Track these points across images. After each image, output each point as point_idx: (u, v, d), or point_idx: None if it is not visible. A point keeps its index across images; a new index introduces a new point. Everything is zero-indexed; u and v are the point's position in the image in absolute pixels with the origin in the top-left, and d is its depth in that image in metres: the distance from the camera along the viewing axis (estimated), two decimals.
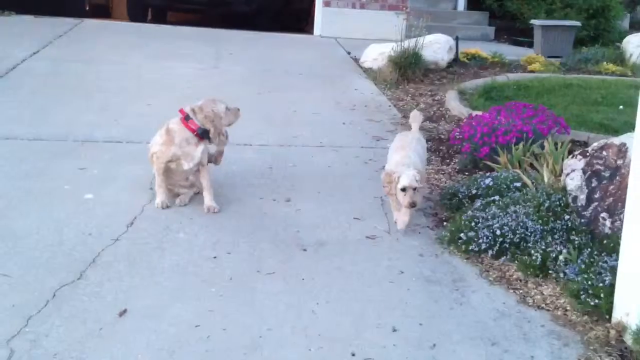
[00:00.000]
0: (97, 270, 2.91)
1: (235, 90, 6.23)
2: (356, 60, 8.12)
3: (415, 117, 3.86)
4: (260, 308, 2.69)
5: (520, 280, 2.94)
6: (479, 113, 5.09)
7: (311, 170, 4.30)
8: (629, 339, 2.47)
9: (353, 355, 2.40)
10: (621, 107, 5.75)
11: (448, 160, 4.54)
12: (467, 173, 4.25)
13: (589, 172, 3.08)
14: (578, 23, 8.48)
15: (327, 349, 2.44)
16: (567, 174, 3.21)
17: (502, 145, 4.03)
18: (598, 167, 3.06)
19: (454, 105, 5.84)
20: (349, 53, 8.71)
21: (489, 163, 4.07)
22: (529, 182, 3.44)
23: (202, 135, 3.48)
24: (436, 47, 7.68)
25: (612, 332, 2.53)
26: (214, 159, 3.70)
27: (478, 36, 11.84)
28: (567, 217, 3.04)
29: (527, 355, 2.45)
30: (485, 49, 8.94)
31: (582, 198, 3.08)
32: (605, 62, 7.76)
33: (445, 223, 3.51)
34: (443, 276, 3.00)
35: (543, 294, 2.83)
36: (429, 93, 6.59)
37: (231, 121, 3.65)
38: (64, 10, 10.38)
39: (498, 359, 2.42)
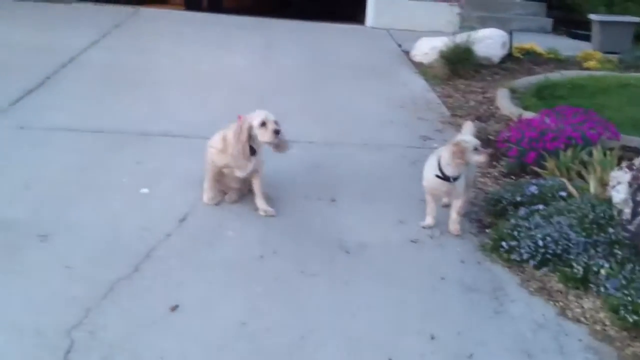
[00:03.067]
0: (151, 264, 3.07)
1: (285, 84, 6.36)
2: (407, 53, 8.11)
3: (467, 129, 3.72)
4: (303, 309, 2.80)
5: (561, 292, 2.97)
6: (529, 115, 5.08)
7: (357, 169, 4.37)
8: None
9: None
10: None
11: (495, 163, 4.54)
12: (513, 177, 4.26)
13: (635, 186, 3.08)
14: (638, 19, 8.25)
15: (365, 353, 2.54)
16: (613, 187, 3.21)
17: (550, 151, 4.03)
18: None
19: (504, 104, 5.82)
20: (399, 46, 8.71)
21: (536, 169, 4.08)
22: (574, 191, 3.44)
23: (252, 152, 3.54)
24: (489, 42, 7.61)
25: None
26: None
27: (535, 28, 11.64)
28: (611, 230, 3.04)
29: None
30: (541, 43, 8.80)
31: (627, 212, 3.08)
32: None
33: (488, 229, 3.55)
34: (483, 284, 3.06)
35: (583, 308, 2.86)
36: (480, 90, 6.57)
37: (271, 140, 3.54)
38: None
39: None
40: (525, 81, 6.64)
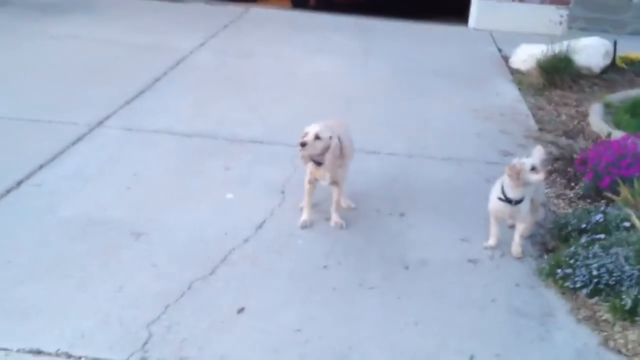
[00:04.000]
0: (226, 267, 3.42)
1: (374, 92, 6.58)
2: (506, 59, 8.06)
3: (537, 154, 3.72)
4: (355, 320, 3.05)
5: (608, 322, 3.04)
6: (617, 134, 5.02)
7: (431, 184, 4.54)
8: None
9: None
10: None
11: (573, 184, 4.55)
12: (589, 200, 4.27)
13: None
14: None
15: None
16: None
17: (625, 178, 4.02)
18: None
19: (595, 120, 5.74)
20: (500, 50, 8.66)
21: (610, 195, 4.08)
22: (637, 223, 3.46)
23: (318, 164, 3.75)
24: (590, 52, 7.42)
25: None
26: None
27: None
28: None
29: None
30: None
31: None
32: None
33: (549, 254, 3.63)
34: (533, 309, 3.17)
35: (627, 339, 2.92)
36: (574, 103, 6.47)
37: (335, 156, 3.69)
38: None
39: None
40: (624, 95, 6.47)
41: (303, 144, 3.59)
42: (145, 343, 2.83)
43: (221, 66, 7.14)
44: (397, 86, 6.80)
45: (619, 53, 7.90)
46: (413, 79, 7.14)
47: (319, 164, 3.70)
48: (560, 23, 9.66)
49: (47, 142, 4.73)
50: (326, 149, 3.63)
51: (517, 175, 3.38)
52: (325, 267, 3.48)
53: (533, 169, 3.38)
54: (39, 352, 2.75)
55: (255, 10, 10.44)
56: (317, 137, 3.61)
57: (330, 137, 3.63)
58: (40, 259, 3.39)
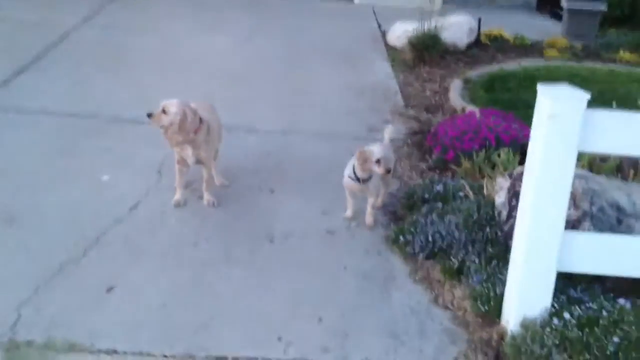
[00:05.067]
0: (98, 248, 3.63)
1: (256, 69, 6.83)
2: (384, 35, 8.50)
3: (388, 132, 4.23)
4: (219, 292, 3.35)
5: (440, 282, 3.50)
6: (471, 109, 5.53)
7: (302, 159, 4.88)
8: (506, 344, 3.03)
9: (279, 339, 3.06)
10: (614, 105, 6.02)
11: (427, 156, 5.03)
12: (438, 172, 4.75)
13: (512, 192, 3.57)
14: (603, 7, 8.54)
15: (258, 332, 3.09)
16: (497, 192, 3.71)
17: (466, 151, 4.51)
18: (518, 188, 3.55)
19: (453, 96, 6.26)
20: (379, 26, 9.09)
21: (453, 167, 4.58)
22: (470, 193, 3.95)
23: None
24: (456, 29, 7.97)
25: (495, 335, 3.09)
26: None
27: (519, 4, 11.88)
28: (488, 230, 3.56)
29: (417, 349, 3.04)
30: (516, 25, 9.16)
31: (504, 214, 3.58)
32: (621, 50, 7.90)
33: (398, 222, 4.07)
34: (378, 273, 3.60)
35: (454, 296, 3.39)
36: (438, 79, 6.99)
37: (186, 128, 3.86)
38: None
39: (393, 350, 3.03)
40: (482, 71, 7.05)
41: (149, 115, 3.81)
42: (14, 325, 3.01)
43: (105, 43, 7.17)
44: (280, 63, 7.09)
45: (485, 29, 8.51)
46: (296, 56, 7.44)
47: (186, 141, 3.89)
48: None
49: None
50: (173, 124, 3.81)
51: (364, 162, 3.76)
52: (195, 244, 3.76)
53: (378, 161, 3.74)
54: None
55: None
56: (163, 111, 3.82)
57: (176, 113, 3.79)
58: None
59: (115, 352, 2.92)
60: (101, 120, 5.25)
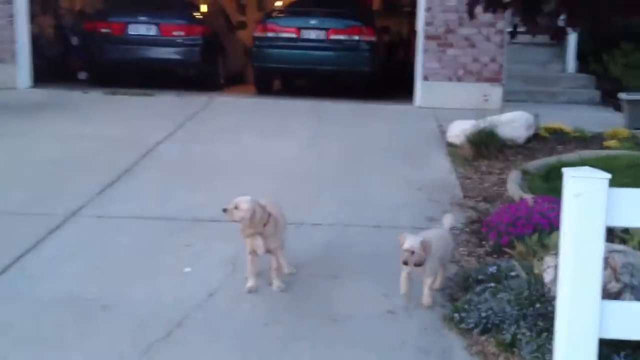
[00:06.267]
0: (180, 330, 4.05)
1: (320, 169, 7.37)
2: (444, 134, 8.97)
3: (446, 220, 4.62)
4: None
5: (494, 354, 3.71)
6: (528, 198, 5.80)
7: (363, 248, 5.23)
8: None
9: None
10: None
11: (484, 242, 5.30)
12: (495, 256, 5.01)
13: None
14: None
15: None
16: (545, 269, 3.95)
17: (520, 236, 4.78)
18: None
19: (511, 186, 6.55)
20: (439, 126, 9.59)
21: (509, 251, 4.83)
22: (522, 272, 4.19)
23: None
24: (514, 124, 8.37)
25: None
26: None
27: (584, 100, 12.22)
28: (538, 305, 3.78)
29: None
30: (582, 116, 9.51)
31: (554, 290, 3.81)
32: None
33: (454, 302, 4.33)
34: (435, 348, 3.84)
35: None
36: (498, 172, 7.31)
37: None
38: (202, 85, 12.23)
39: None
40: (541, 162, 7.33)
41: (224, 210, 4.32)
42: None
43: (184, 154, 7.93)
44: (342, 164, 7.62)
45: (546, 123, 8.87)
46: (357, 156, 7.97)
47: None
48: (489, 99, 10.69)
49: (32, 231, 5.37)
50: (244, 219, 4.32)
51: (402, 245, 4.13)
52: (265, 324, 4.14)
53: (412, 252, 4.09)
54: None
55: (219, 99, 11.37)
56: (236, 207, 4.33)
57: (247, 209, 4.29)
58: (23, 331, 4.00)
59: None
60: (181, 221, 5.81)
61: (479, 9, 5.26)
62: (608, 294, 3.50)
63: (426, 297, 4.31)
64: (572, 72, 13.07)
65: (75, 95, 11.05)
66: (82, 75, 12.70)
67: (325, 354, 3.81)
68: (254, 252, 4.52)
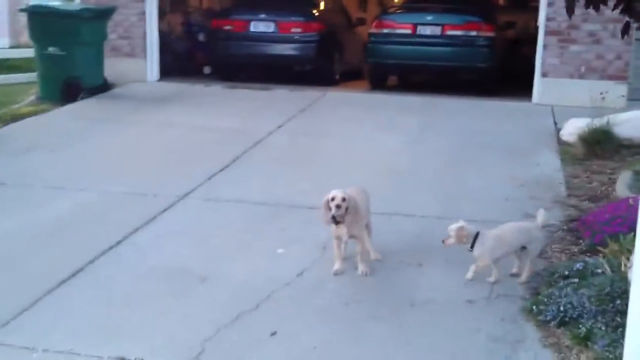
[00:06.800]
0: (268, 304, 4.33)
1: (423, 164, 7.43)
2: (558, 132, 8.70)
3: (540, 216, 4.66)
4: (362, 343, 3.85)
5: (568, 347, 3.67)
6: (625, 198, 5.59)
7: None
8: None
9: None
10: None
11: (580, 241, 5.17)
12: (589, 254, 4.88)
13: None
14: None
15: None
16: (629, 267, 3.84)
17: (614, 234, 4.64)
18: None
19: (620, 187, 6.28)
20: (555, 124, 9.29)
21: (602, 249, 4.70)
22: (608, 269, 4.10)
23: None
24: (632, 124, 7.97)
25: None
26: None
27: None
28: (618, 301, 3.69)
29: None
30: None
31: None
32: None
33: (538, 296, 4.30)
34: (510, 337, 3.86)
35: (579, 359, 3.56)
36: (609, 171, 7.02)
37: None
38: (317, 80, 12.56)
39: None
40: None
41: (338, 206, 4.54)
42: (198, 355, 3.76)
43: (292, 145, 8.26)
44: (445, 159, 7.62)
45: None
46: (463, 152, 7.93)
47: (336, 222, 4.59)
48: (612, 97, 10.18)
49: (145, 210, 5.90)
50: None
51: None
52: (346, 304, 4.33)
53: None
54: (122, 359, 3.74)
55: (331, 94, 11.64)
56: (343, 200, 4.55)
57: (344, 200, 4.54)
58: (128, 296, 4.46)
59: None
60: (281, 207, 6.12)
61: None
62: None
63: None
64: None
65: (197, 89, 11.77)
66: (207, 70, 13.44)
67: (399, 335, 3.94)
68: (339, 238, 4.71)
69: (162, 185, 6.55)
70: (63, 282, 4.62)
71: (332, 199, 4.58)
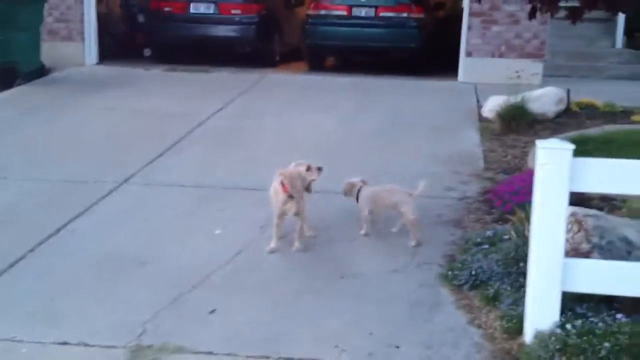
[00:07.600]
0: (207, 283, 4.61)
1: (354, 143, 7.81)
2: (480, 109, 9.24)
3: (420, 187, 5.12)
4: (293, 314, 4.21)
5: (479, 307, 4.13)
6: (530, 169, 6.11)
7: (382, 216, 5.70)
8: (521, 352, 3.61)
9: (336, 346, 3.82)
10: None
11: (493, 210, 5.66)
12: (500, 223, 5.37)
13: None
14: None
15: (322, 339, 3.89)
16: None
17: (521, 203, 5.12)
18: None
19: (530, 159, 6.82)
20: (478, 102, 9.84)
21: (511, 217, 5.19)
22: (514, 236, 4.57)
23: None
24: (545, 100, 8.58)
25: (515, 347, 3.67)
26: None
27: (626, 75, 12.15)
28: (521, 264, 4.16)
29: (447, 357, 3.70)
30: (621, 91, 9.61)
31: None
32: None
33: (453, 262, 4.75)
34: (427, 301, 4.28)
35: (488, 318, 4.01)
36: (523, 145, 7.58)
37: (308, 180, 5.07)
38: (257, 61, 12.74)
39: (426, 357, 3.70)
40: (563, 136, 7.51)
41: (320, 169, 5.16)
42: (140, 335, 3.97)
43: (232, 128, 8.50)
44: (375, 138, 8.04)
45: (580, 98, 9.03)
46: (392, 131, 8.36)
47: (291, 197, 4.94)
48: (530, 74, 10.82)
49: (85, 197, 6.06)
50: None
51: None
52: (283, 278, 4.67)
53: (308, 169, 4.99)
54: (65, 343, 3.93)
55: (271, 76, 11.90)
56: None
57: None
58: (67, 281, 4.66)
59: (211, 353, 3.83)
60: (218, 189, 6.39)
61: None
62: (579, 254, 3.87)
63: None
64: (620, 48, 12.97)
65: (137, 72, 11.81)
66: (147, 52, 13.43)
67: (330, 304, 4.31)
68: (282, 216, 5.04)
69: (102, 172, 6.71)
70: (3, 271, 4.76)
71: (308, 169, 4.99)
